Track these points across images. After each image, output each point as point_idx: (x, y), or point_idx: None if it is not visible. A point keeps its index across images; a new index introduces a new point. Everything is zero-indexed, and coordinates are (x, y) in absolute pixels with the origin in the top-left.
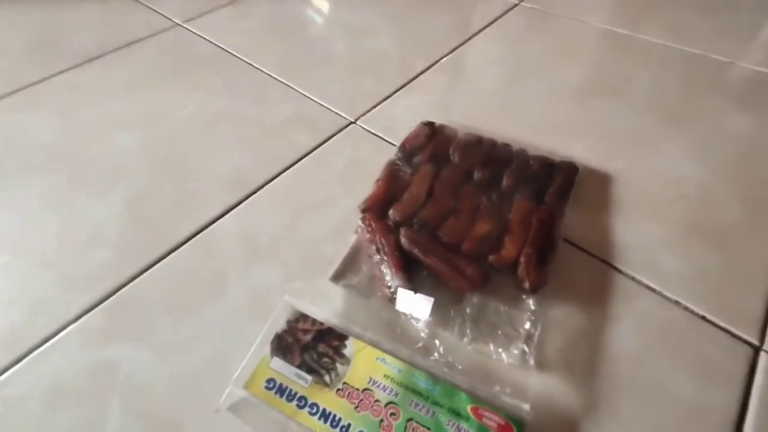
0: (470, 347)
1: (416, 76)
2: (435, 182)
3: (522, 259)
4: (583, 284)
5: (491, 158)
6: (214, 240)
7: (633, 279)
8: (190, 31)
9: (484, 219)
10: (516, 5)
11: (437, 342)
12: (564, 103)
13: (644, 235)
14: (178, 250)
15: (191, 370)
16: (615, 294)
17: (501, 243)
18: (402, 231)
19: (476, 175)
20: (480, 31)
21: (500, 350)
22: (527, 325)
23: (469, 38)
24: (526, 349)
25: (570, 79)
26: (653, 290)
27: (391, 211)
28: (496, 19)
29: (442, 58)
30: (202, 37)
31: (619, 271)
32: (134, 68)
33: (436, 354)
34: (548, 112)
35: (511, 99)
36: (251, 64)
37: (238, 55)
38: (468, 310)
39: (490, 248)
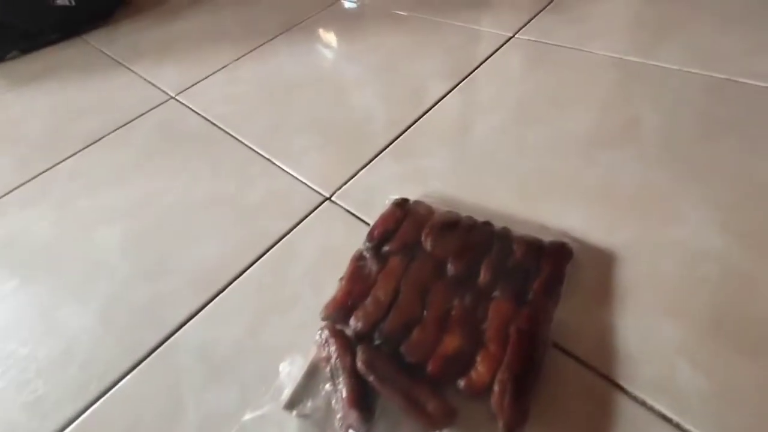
0: None
1: (399, 136)
2: (402, 280)
3: (496, 388)
4: (578, 411)
5: (468, 245)
6: (174, 353)
7: (643, 404)
8: (182, 103)
9: (454, 330)
10: (510, 38)
11: None
12: (562, 158)
13: (656, 337)
14: (140, 367)
15: None
16: (619, 424)
17: (473, 362)
18: (359, 352)
19: (449, 268)
20: (470, 73)
21: None
22: None
23: (459, 83)
24: None
25: (571, 125)
26: (668, 420)
27: (352, 320)
28: (488, 58)
29: (427, 111)
30: (191, 109)
31: (624, 392)
32: (129, 149)
33: None
34: (543, 171)
35: (501, 156)
36: (234, 137)
37: (223, 127)
38: None
39: (460, 369)
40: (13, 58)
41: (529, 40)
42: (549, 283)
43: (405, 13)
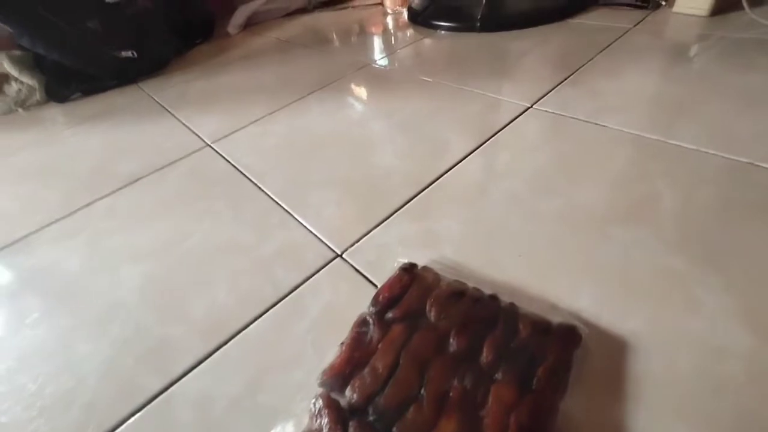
0: None
1: (414, 197)
2: (403, 352)
3: None
4: None
5: (473, 319)
6: (173, 405)
7: None
8: (215, 151)
9: (450, 414)
10: (528, 108)
11: None
12: (575, 232)
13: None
14: (138, 415)
15: None
16: None
17: None
18: (351, 427)
19: (452, 343)
20: (487, 140)
21: None
22: None
23: (476, 148)
24: None
25: (585, 198)
26: None
27: (348, 390)
28: (506, 126)
29: (443, 174)
30: (223, 156)
31: None
32: (162, 191)
33: None
34: (555, 245)
35: (513, 225)
36: (258, 186)
37: (250, 177)
38: None
39: None
40: (75, 99)
41: (546, 111)
42: (555, 370)
43: (429, 79)
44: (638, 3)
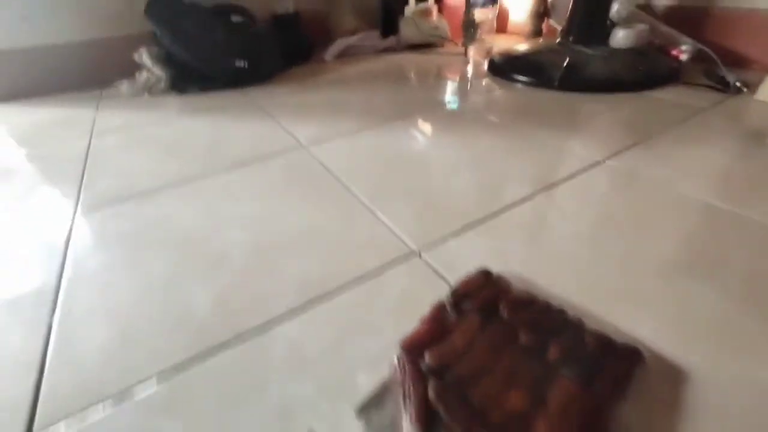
0: None
1: (485, 219)
2: (477, 335)
3: None
4: None
5: (541, 323)
6: (270, 341)
7: None
8: (311, 153)
9: (519, 388)
10: (599, 163)
11: None
12: (641, 274)
13: None
14: (241, 346)
15: None
16: None
17: (532, 425)
18: (432, 383)
19: (522, 337)
20: (556, 183)
21: None
22: None
23: (543, 189)
24: None
25: (653, 248)
26: None
27: (427, 355)
28: (575, 174)
29: (512, 205)
30: (317, 159)
31: None
32: (265, 176)
33: None
34: (620, 280)
35: (581, 258)
36: (347, 187)
37: (339, 177)
38: None
39: (519, 428)
40: (192, 93)
41: (617, 167)
42: (616, 379)
43: (502, 124)
44: (719, 86)
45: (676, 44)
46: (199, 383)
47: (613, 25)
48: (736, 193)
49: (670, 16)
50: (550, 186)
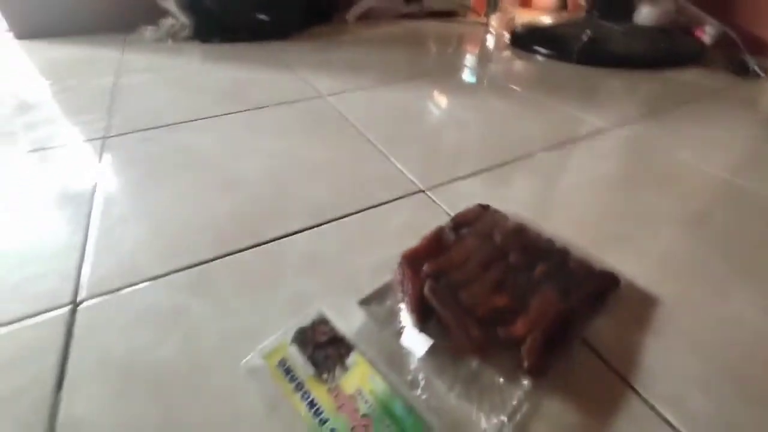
0: (454, 402)
1: (493, 167)
2: (472, 253)
3: (528, 340)
4: (592, 391)
5: (530, 248)
6: (284, 248)
7: (651, 408)
8: (328, 102)
9: (504, 294)
10: (607, 130)
11: (425, 383)
12: (631, 222)
13: (678, 367)
14: (261, 247)
15: (237, 330)
16: (624, 415)
17: (514, 320)
18: (428, 283)
19: (511, 257)
20: (565, 144)
21: (481, 414)
22: (515, 402)
23: (552, 147)
24: (506, 422)
25: (648, 199)
26: (671, 426)
27: (425, 265)
28: (584, 138)
29: (520, 158)
30: (334, 107)
31: (637, 394)
32: (284, 118)
33: (419, 391)
34: (612, 226)
35: (576, 206)
36: (362, 132)
37: (353, 123)
38: (464, 370)
39: (503, 321)
40: (214, 42)
41: (624, 134)
42: (592, 294)
43: (518, 89)
44: (738, 70)
45: (700, 25)
46: (221, 274)
47: (639, 1)
48: (735, 165)
49: None
50: (556, 146)
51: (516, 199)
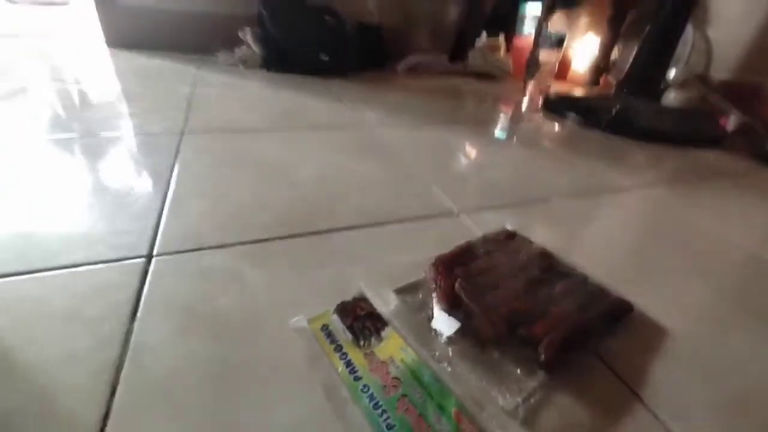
0: (475, 382)
1: (519, 204)
2: (499, 265)
3: (545, 339)
4: (601, 394)
5: (553, 268)
6: (333, 239)
7: (656, 417)
8: (375, 132)
9: (527, 301)
10: (628, 189)
11: (452, 359)
12: (650, 268)
13: (684, 388)
14: (310, 236)
15: (286, 297)
16: (630, 420)
17: (534, 323)
18: (459, 280)
19: (535, 273)
20: (587, 195)
21: (499, 394)
22: (530, 389)
23: (575, 196)
24: (521, 403)
25: (666, 255)
26: None
27: (456, 269)
28: (603, 192)
29: (546, 200)
30: (380, 137)
31: (643, 403)
32: (333, 140)
33: (446, 363)
34: (627, 266)
35: (594, 246)
36: (405, 161)
37: (399, 154)
38: (485, 358)
39: (523, 322)
40: (279, 72)
41: (643, 195)
42: (607, 314)
43: (547, 145)
44: (759, 157)
45: (725, 114)
46: (275, 252)
47: (667, 86)
48: (753, 236)
49: (724, 89)
50: (580, 195)
51: (540, 234)
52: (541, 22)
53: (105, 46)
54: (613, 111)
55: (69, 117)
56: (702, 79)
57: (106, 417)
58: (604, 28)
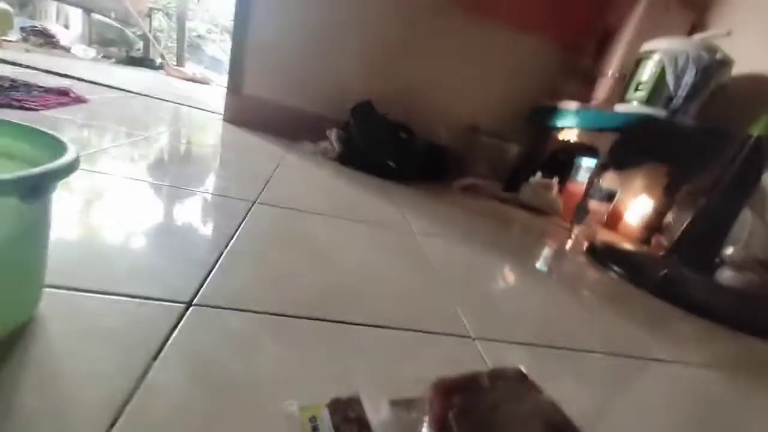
0: None
1: (542, 347)
2: (502, 404)
3: None
4: None
5: (556, 425)
6: (344, 329)
7: None
8: (417, 239)
9: None
10: (664, 362)
11: None
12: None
13: None
14: (329, 323)
15: (294, 375)
16: None
17: None
18: (454, 409)
19: (536, 427)
20: (619, 356)
21: None
22: None
23: (607, 355)
24: None
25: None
26: None
27: (455, 396)
28: (636, 357)
29: (569, 350)
30: (420, 244)
31: None
32: (378, 237)
33: None
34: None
35: (615, 416)
36: (437, 273)
37: (433, 264)
38: None
39: None
40: (350, 168)
41: (686, 376)
42: None
43: (585, 293)
44: None
45: None
46: (295, 329)
47: (723, 263)
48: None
49: None
50: (611, 355)
51: (554, 385)
52: (593, 176)
53: (222, 119)
54: (660, 274)
55: (170, 168)
56: (763, 264)
57: None
58: (659, 193)
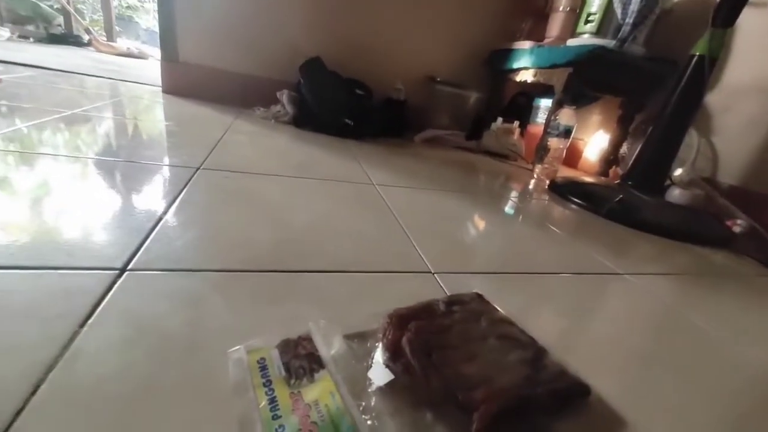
0: None
1: (498, 274)
2: (455, 326)
3: (482, 407)
4: None
5: (511, 337)
6: (300, 279)
7: None
8: (376, 189)
9: (475, 364)
10: (617, 274)
11: (379, 414)
12: (623, 355)
13: None
14: (279, 273)
15: (236, 327)
16: None
17: (475, 389)
18: (407, 335)
19: (491, 339)
20: (572, 274)
21: None
22: None
23: (560, 274)
24: None
25: (643, 346)
26: None
27: (410, 324)
28: (589, 274)
29: (524, 274)
30: (380, 194)
31: None
32: (335, 192)
33: (370, 416)
34: (594, 350)
35: (563, 323)
36: (396, 219)
37: (393, 212)
38: (417, 418)
39: (464, 388)
40: (305, 130)
41: (632, 282)
42: (559, 393)
43: (542, 222)
44: (766, 261)
45: (732, 217)
46: (242, 283)
47: (672, 184)
48: (744, 335)
49: (732, 194)
50: (567, 275)
51: (510, 303)
52: (551, 113)
53: (161, 92)
54: (615, 200)
55: (100, 141)
56: (708, 181)
57: (18, 413)
58: (614, 126)
